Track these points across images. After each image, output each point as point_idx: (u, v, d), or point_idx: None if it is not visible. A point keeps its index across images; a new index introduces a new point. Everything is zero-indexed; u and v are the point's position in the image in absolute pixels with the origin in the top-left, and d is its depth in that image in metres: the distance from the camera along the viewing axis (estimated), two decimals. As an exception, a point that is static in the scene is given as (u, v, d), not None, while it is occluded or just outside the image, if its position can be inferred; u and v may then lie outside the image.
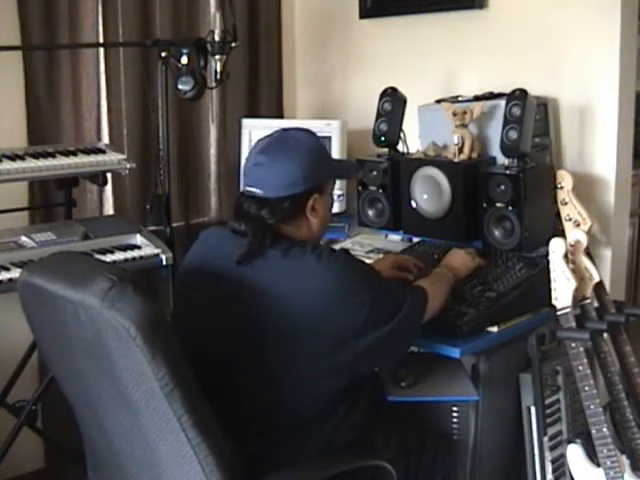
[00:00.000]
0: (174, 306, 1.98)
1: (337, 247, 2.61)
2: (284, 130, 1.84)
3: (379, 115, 2.62)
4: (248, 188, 1.75)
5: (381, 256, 2.49)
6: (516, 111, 2.30)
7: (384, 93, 2.63)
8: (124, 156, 2.62)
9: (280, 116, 3.44)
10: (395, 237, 2.70)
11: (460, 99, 2.60)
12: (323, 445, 1.70)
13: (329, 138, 2.97)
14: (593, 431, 2.02)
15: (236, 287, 1.68)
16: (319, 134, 2.99)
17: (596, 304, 2.22)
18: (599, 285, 2.19)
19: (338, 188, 2.93)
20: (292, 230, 1.75)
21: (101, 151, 2.61)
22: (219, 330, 1.71)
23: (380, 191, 2.58)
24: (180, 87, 2.59)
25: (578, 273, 2.12)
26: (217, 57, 2.69)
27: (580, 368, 2.03)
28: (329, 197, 1.86)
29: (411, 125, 2.67)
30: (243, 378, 1.67)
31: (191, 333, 1.68)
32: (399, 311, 1.75)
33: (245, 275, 1.68)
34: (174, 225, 2.76)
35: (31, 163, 2.41)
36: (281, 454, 1.67)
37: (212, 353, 1.70)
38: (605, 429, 2.01)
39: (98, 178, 2.63)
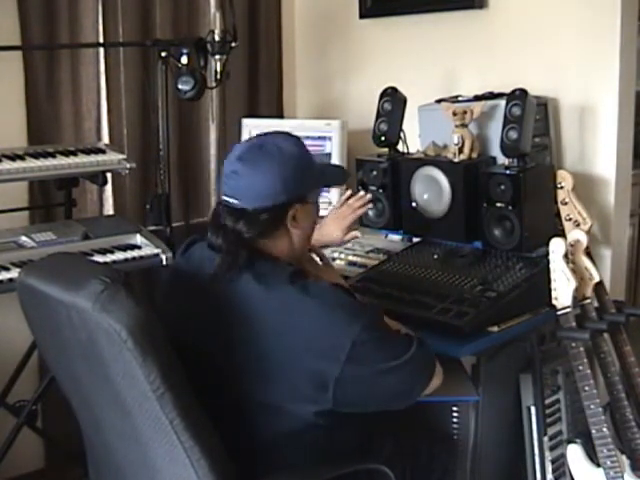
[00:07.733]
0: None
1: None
2: (264, 135, 1.71)
3: (379, 115, 2.62)
4: (225, 197, 1.64)
5: (381, 256, 2.49)
6: (516, 111, 2.30)
7: (384, 93, 2.63)
8: (124, 156, 2.62)
9: (280, 116, 3.44)
10: (395, 237, 2.70)
11: (460, 99, 2.60)
12: (317, 448, 1.65)
13: (329, 138, 2.97)
14: (593, 431, 2.02)
15: (212, 306, 1.61)
16: (319, 134, 3.05)
17: (596, 304, 2.22)
18: (599, 285, 2.19)
19: (338, 193, 2.94)
20: (271, 244, 1.66)
21: (101, 151, 2.61)
22: (196, 345, 1.63)
23: (380, 191, 2.58)
24: (180, 87, 2.59)
25: (578, 273, 2.12)
26: (217, 57, 2.69)
27: (580, 368, 2.03)
28: (313, 206, 1.74)
29: (411, 125, 2.67)
30: (226, 389, 1.62)
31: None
32: (396, 358, 1.59)
33: (221, 294, 1.59)
34: (174, 225, 2.75)
35: (31, 163, 2.40)
36: (275, 457, 1.63)
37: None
38: (605, 429, 2.01)
39: (98, 178, 2.63)
